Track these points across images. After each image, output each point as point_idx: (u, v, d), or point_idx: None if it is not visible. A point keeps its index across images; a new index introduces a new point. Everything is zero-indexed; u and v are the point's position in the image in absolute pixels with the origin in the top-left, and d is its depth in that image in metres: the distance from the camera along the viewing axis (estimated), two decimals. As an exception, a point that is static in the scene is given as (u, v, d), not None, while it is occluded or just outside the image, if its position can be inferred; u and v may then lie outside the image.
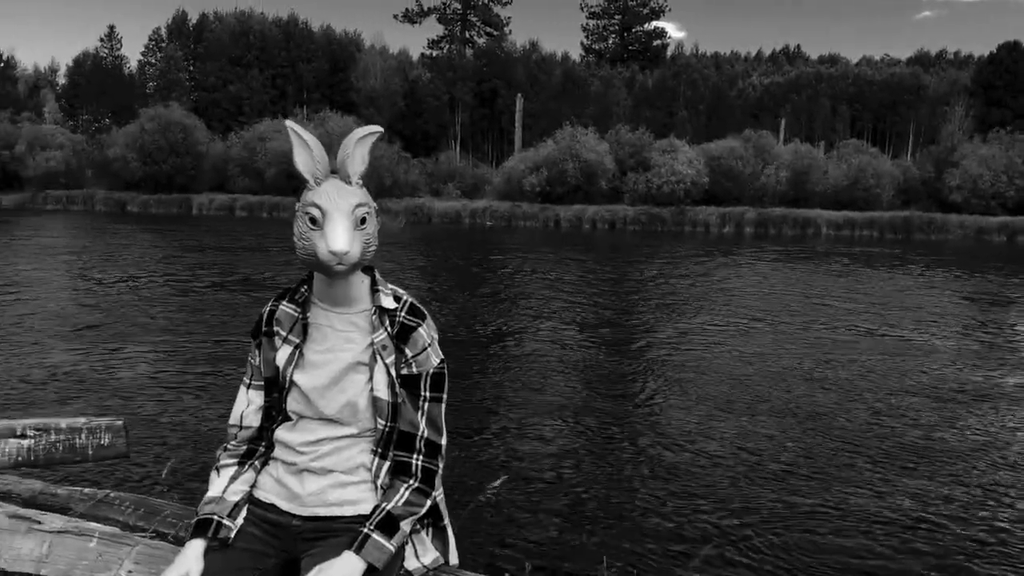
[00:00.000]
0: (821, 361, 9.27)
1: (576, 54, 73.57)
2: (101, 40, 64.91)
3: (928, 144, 50.01)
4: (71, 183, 44.95)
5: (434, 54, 68.70)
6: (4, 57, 62.45)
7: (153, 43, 67.54)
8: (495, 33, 70.30)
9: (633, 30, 71.75)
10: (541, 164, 40.11)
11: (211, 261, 18.91)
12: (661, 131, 47.74)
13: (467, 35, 70.44)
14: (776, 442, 6.26)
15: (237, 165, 44.13)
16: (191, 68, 64.80)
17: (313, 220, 1.67)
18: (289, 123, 1.69)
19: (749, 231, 35.24)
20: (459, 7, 70.30)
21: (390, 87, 60.11)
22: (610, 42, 72.55)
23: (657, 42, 72.24)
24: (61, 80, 66.56)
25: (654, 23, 71.99)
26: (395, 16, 72.61)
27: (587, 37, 73.54)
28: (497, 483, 2.71)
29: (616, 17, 71.72)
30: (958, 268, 20.74)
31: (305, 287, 1.86)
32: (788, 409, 7.22)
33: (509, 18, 75.02)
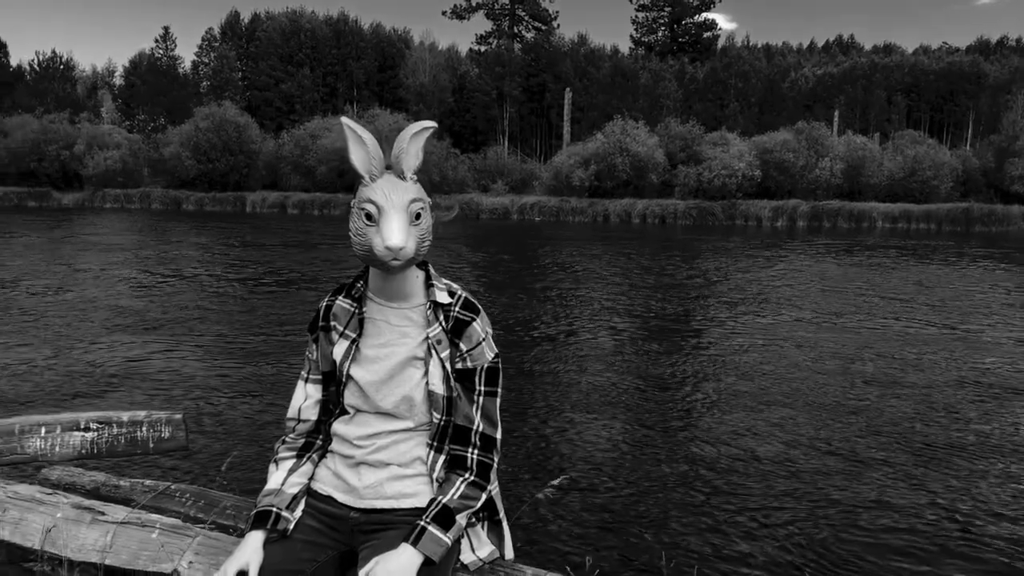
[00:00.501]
0: (879, 357, 9.10)
1: (625, 47, 73.18)
2: (156, 41, 66.34)
3: (989, 134, 48.72)
4: (128, 182, 45.93)
5: (482, 49, 68.84)
6: (63, 59, 64.00)
7: (206, 43, 68.69)
8: (543, 27, 70.20)
9: (683, 22, 71.06)
10: (590, 158, 39.97)
11: (265, 257, 19.19)
12: (712, 124, 47.34)
13: (515, 30, 70.45)
14: (838, 440, 6.16)
15: (289, 163, 44.71)
16: (243, 67, 65.78)
17: (369, 216, 1.68)
18: (345, 120, 1.71)
19: (802, 224, 34.71)
20: (507, 2, 70.34)
21: (439, 83, 60.42)
22: (660, 35, 71.94)
23: (707, 34, 71.46)
24: (118, 81, 68.02)
25: (704, 15, 71.22)
26: (444, 13, 72.98)
27: (636, 30, 73.03)
28: (556, 482, 2.70)
29: (666, 9, 71.09)
30: (1021, 260, 20.20)
31: (361, 282, 1.88)
32: (850, 406, 7.10)
33: (557, 12, 75.11)
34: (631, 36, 74.22)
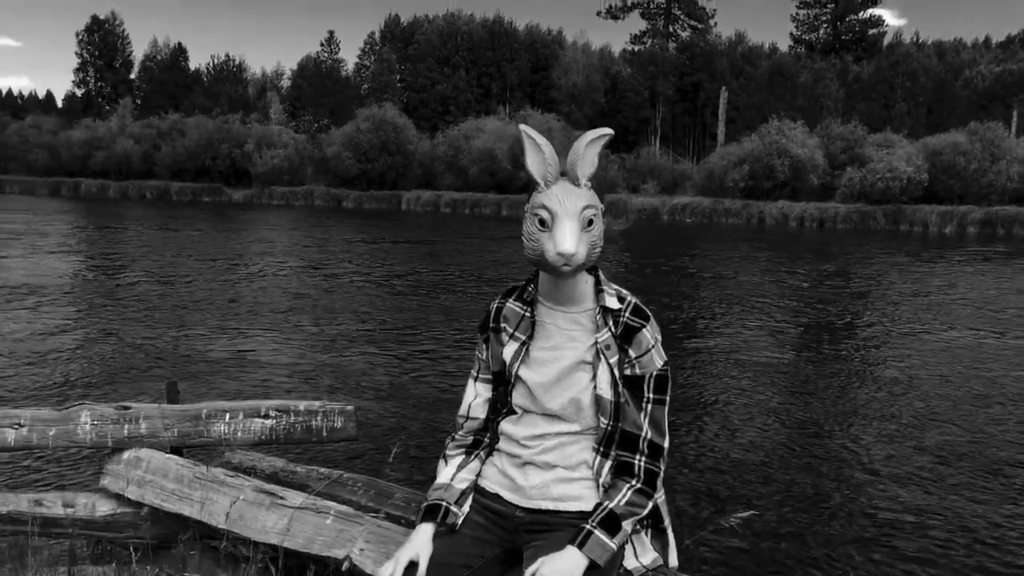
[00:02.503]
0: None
1: (785, 45, 70.80)
2: (321, 45, 69.40)
3: None
4: (293, 180, 48.26)
5: (636, 49, 68.26)
6: (236, 63, 67.91)
7: (368, 46, 71.31)
8: (699, 26, 68.90)
9: (847, 19, 68.08)
10: (745, 159, 38.98)
11: (425, 255, 19.75)
12: (876, 125, 45.17)
13: (671, 29, 69.48)
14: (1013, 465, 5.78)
15: (443, 162, 45.80)
16: (401, 69, 67.84)
17: (542, 222, 1.70)
18: (523, 127, 1.73)
19: (972, 231, 32.56)
20: (663, 1, 69.47)
21: (591, 83, 60.35)
22: (821, 32, 69.18)
23: (873, 31, 68.15)
24: (285, 83, 71.54)
25: (870, 11, 67.98)
26: (598, 13, 72.91)
27: (797, 27, 70.51)
28: (745, 515, 2.63)
29: (829, 6, 68.30)
30: None
31: (532, 286, 1.90)
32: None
33: (715, 10, 73.39)
34: (791, 34, 71.72)
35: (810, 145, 38.51)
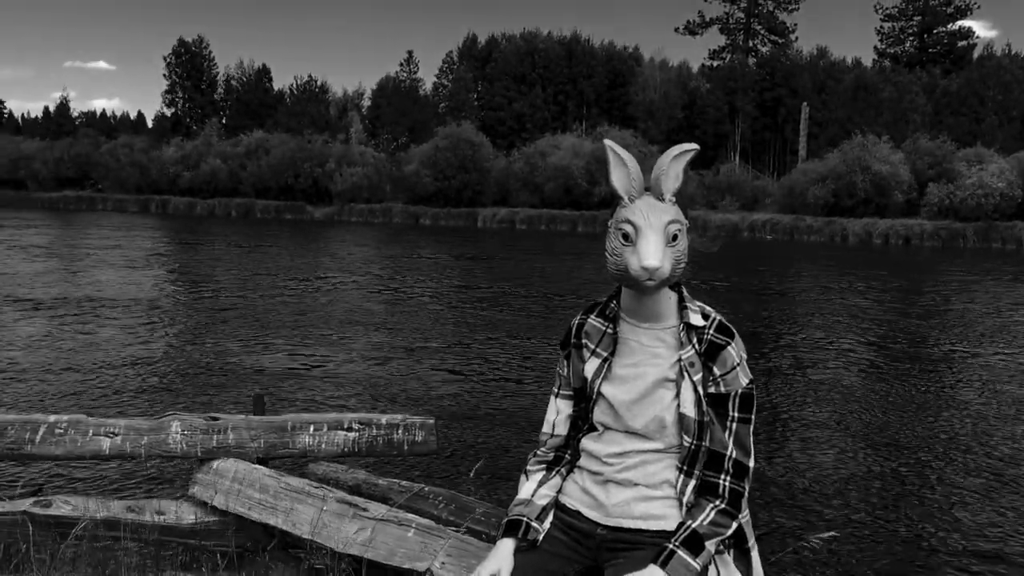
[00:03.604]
0: None
1: (869, 59, 69.15)
2: (400, 65, 70.56)
3: None
4: (372, 197, 49.07)
5: (715, 65, 67.64)
6: (318, 83, 69.51)
7: (446, 65, 72.24)
8: (780, 41, 67.92)
9: (935, 31, 66.26)
10: (827, 175, 38.19)
11: (501, 271, 19.85)
12: (966, 139, 43.76)
13: (750, 44, 68.65)
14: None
15: (518, 180, 46.02)
16: (478, 88, 68.49)
17: (626, 236, 1.70)
18: (608, 142, 1.73)
19: (1069, 248, 31.25)
20: (742, 16, 68.72)
21: (669, 99, 59.97)
22: (907, 45, 67.42)
23: (962, 43, 66.11)
24: (366, 103, 72.90)
25: (959, 23, 66.05)
26: (676, 29, 72.50)
27: (881, 40, 68.87)
28: (826, 535, 2.58)
29: (915, 18, 66.57)
30: None
31: (614, 302, 1.89)
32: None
33: (795, 24, 72.37)
34: (875, 47, 70.11)
35: (894, 161, 37.52)
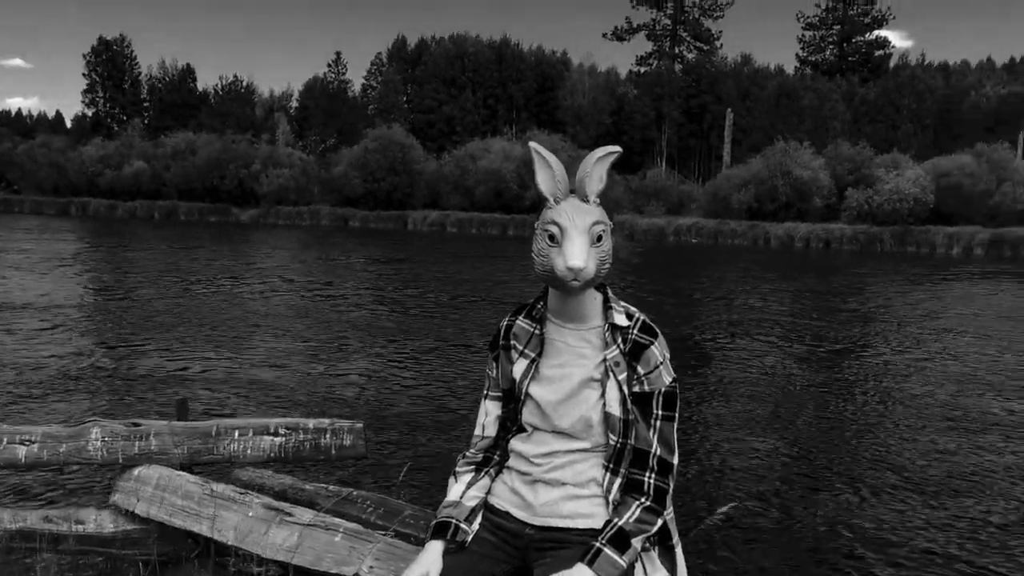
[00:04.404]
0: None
1: (791, 67, 70.95)
2: (329, 66, 69.81)
3: None
4: (300, 200, 48.38)
5: (642, 71, 68.56)
6: (244, 83, 68.40)
7: (375, 67, 71.73)
8: (705, 47, 69.18)
9: (853, 40, 68.31)
10: (750, 180, 39.04)
11: (431, 274, 19.78)
12: (883, 147, 45.19)
13: (676, 51, 69.76)
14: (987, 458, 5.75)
15: (449, 183, 45.91)
16: (408, 90, 68.19)
17: (552, 237, 1.72)
18: (532, 144, 1.75)
19: (979, 253, 32.46)
20: (669, 23, 69.79)
21: (597, 105, 60.59)
22: (828, 53, 69.38)
23: (879, 52, 68.35)
24: (294, 104, 71.95)
25: (876, 32, 68.21)
26: (604, 35, 73.14)
27: (803, 48, 70.73)
28: (725, 509, 2.66)
29: (835, 27, 68.51)
30: None
31: (541, 303, 1.91)
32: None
33: (720, 32, 73.47)
34: (797, 55, 71.98)
35: (814, 167, 38.55)
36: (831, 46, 69.13)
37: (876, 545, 4.68)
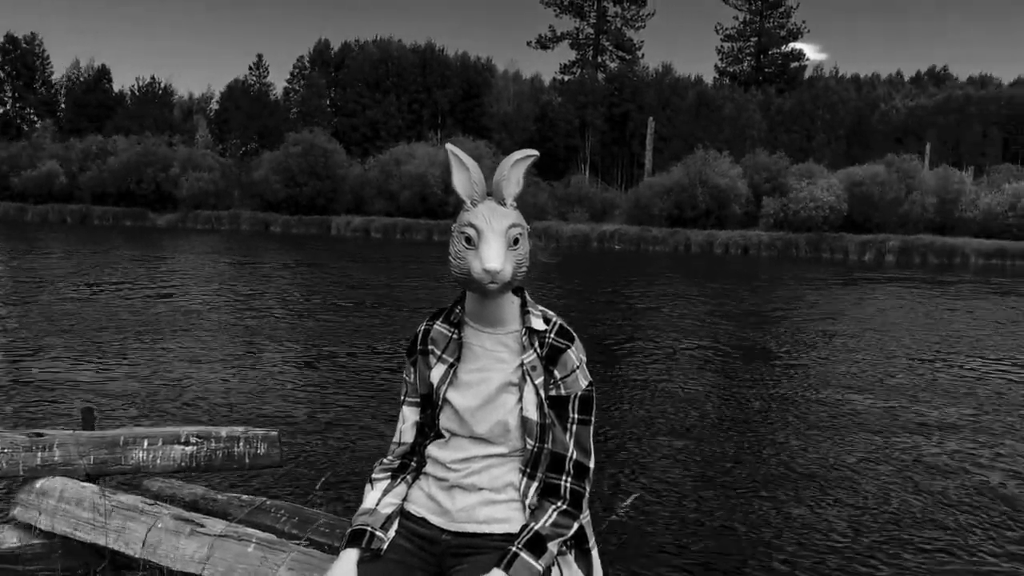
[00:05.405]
0: (969, 405, 8.77)
1: (710, 77, 72.55)
2: (250, 68, 68.63)
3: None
4: (219, 204, 47.34)
5: (566, 79, 69.22)
6: (161, 85, 66.77)
7: (297, 71, 70.79)
8: (627, 57, 70.28)
9: (770, 52, 70.25)
10: (671, 188, 39.74)
11: (353, 280, 19.56)
12: (798, 156, 46.54)
13: (599, 60, 70.66)
14: (911, 498, 5.95)
15: (373, 188, 45.51)
16: (331, 94, 67.49)
17: (468, 239, 1.71)
18: (449, 146, 1.75)
19: (890, 259, 33.69)
20: (591, 32, 70.67)
21: (522, 112, 60.93)
22: (745, 64, 71.23)
23: (794, 64, 70.46)
24: (214, 106, 70.51)
25: (791, 45, 70.30)
26: (528, 43, 73.58)
27: (721, 59, 72.47)
28: (629, 501, 2.70)
29: (752, 39, 70.41)
30: None
31: (459, 307, 1.90)
32: (935, 463, 6.85)
33: (642, 42, 75.01)
34: (716, 66, 73.74)
35: (732, 175, 39.46)
36: (748, 57, 71.00)
37: (775, 532, 4.86)
